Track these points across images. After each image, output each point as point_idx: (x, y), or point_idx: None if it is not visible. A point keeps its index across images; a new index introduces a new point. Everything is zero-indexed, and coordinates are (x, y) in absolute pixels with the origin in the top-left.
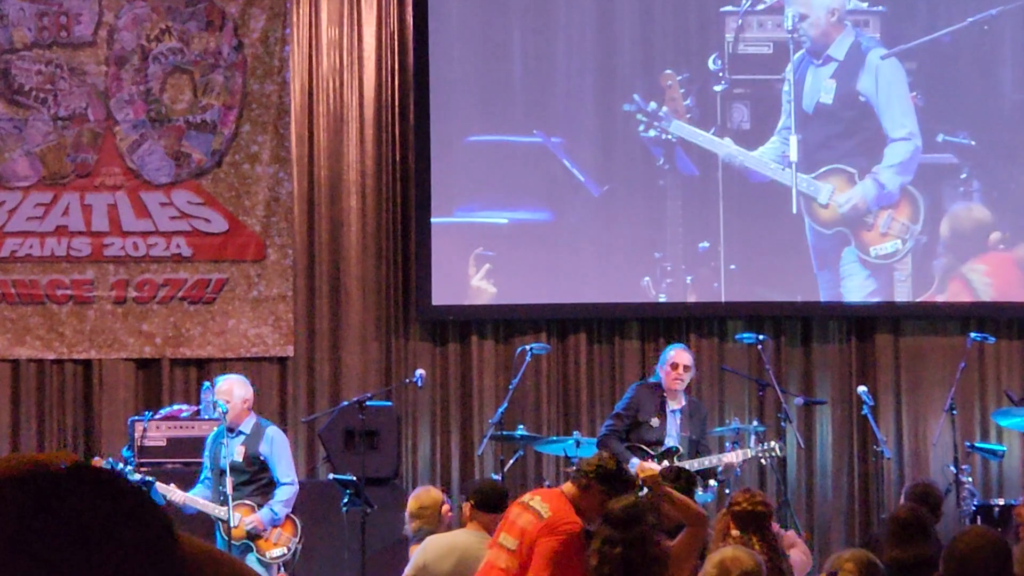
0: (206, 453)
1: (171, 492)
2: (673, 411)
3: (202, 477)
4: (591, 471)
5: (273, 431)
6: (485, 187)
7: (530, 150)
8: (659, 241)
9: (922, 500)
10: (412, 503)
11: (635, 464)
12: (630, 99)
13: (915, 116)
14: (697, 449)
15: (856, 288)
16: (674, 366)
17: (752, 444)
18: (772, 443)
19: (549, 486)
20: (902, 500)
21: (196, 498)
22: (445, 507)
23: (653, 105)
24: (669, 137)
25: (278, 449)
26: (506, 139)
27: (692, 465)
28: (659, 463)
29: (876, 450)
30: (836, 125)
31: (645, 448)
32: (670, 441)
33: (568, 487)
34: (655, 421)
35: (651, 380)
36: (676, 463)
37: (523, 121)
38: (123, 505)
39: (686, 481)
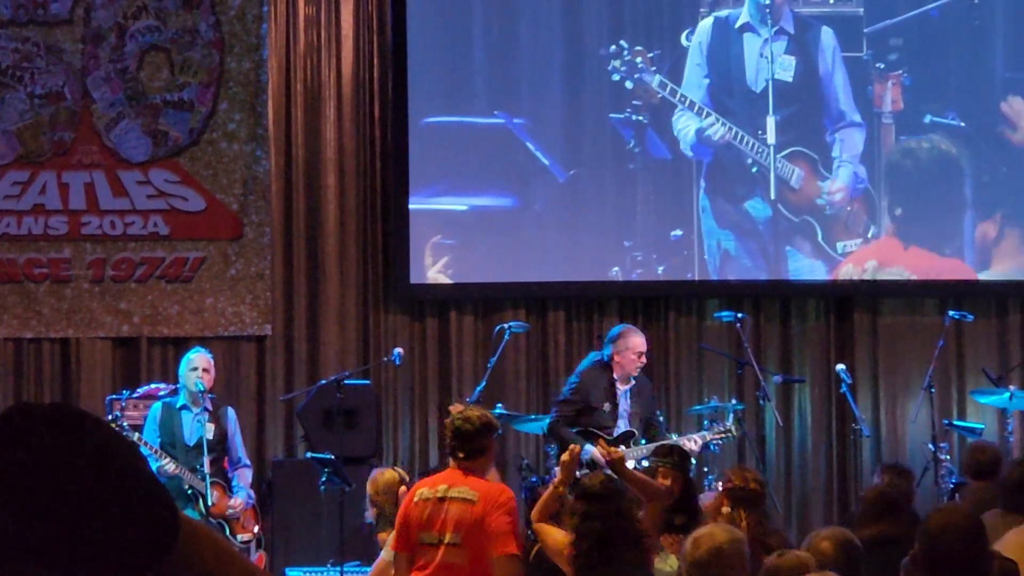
0: (154, 428)
1: (165, 462)
2: (623, 391)
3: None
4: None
5: (231, 409)
6: (443, 171)
7: (492, 132)
8: (629, 228)
9: (898, 474)
10: (369, 487)
11: (589, 450)
12: (598, 76)
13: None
14: (647, 426)
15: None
16: (639, 354)
17: (707, 426)
18: (728, 424)
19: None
20: (876, 478)
21: (185, 470)
22: (402, 488)
23: (639, 60)
24: (640, 119)
25: (237, 428)
26: (466, 120)
27: (649, 448)
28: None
29: (855, 428)
30: (794, 104)
31: (598, 433)
32: (622, 424)
33: (463, 465)
34: (607, 406)
35: (596, 359)
36: (632, 447)
37: (484, 101)
38: (74, 434)
39: (679, 457)
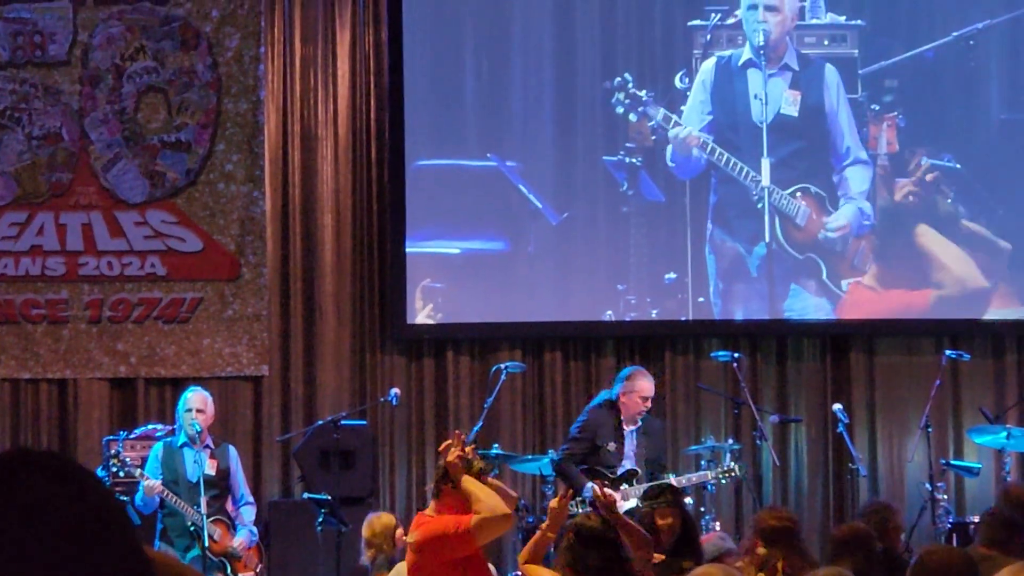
0: (156, 467)
1: (172, 499)
2: (630, 431)
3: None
4: (436, 479)
5: (232, 447)
6: (435, 214)
7: (484, 175)
8: (622, 272)
9: (876, 522)
10: (365, 530)
11: (590, 488)
12: (591, 119)
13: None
14: (653, 467)
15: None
16: (644, 399)
17: (711, 466)
18: (731, 463)
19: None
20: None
21: (188, 507)
22: (399, 531)
23: (643, 92)
24: (634, 161)
25: (239, 465)
26: (458, 163)
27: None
28: (618, 487)
29: (851, 468)
30: (800, 140)
31: (603, 471)
32: (627, 463)
33: (431, 506)
34: (612, 445)
35: (605, 398)
36: (635, 485)
37: (476, 144)
38: (69, 486)
39: (672, 494)
